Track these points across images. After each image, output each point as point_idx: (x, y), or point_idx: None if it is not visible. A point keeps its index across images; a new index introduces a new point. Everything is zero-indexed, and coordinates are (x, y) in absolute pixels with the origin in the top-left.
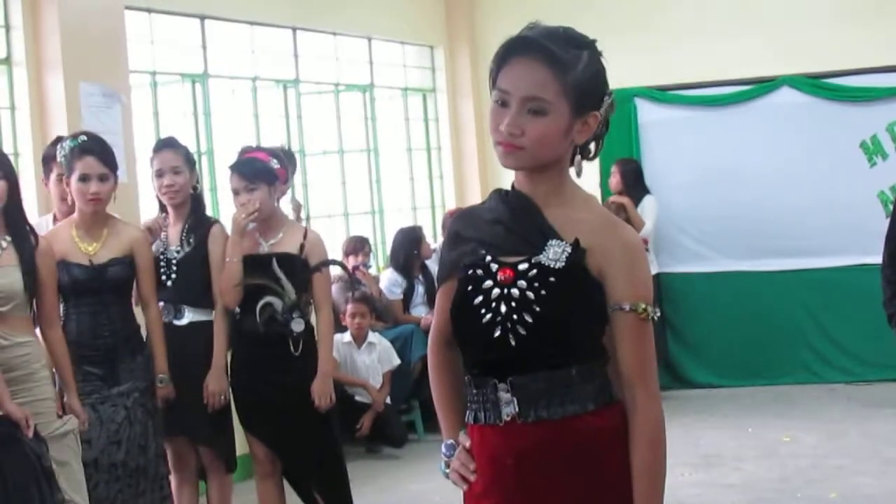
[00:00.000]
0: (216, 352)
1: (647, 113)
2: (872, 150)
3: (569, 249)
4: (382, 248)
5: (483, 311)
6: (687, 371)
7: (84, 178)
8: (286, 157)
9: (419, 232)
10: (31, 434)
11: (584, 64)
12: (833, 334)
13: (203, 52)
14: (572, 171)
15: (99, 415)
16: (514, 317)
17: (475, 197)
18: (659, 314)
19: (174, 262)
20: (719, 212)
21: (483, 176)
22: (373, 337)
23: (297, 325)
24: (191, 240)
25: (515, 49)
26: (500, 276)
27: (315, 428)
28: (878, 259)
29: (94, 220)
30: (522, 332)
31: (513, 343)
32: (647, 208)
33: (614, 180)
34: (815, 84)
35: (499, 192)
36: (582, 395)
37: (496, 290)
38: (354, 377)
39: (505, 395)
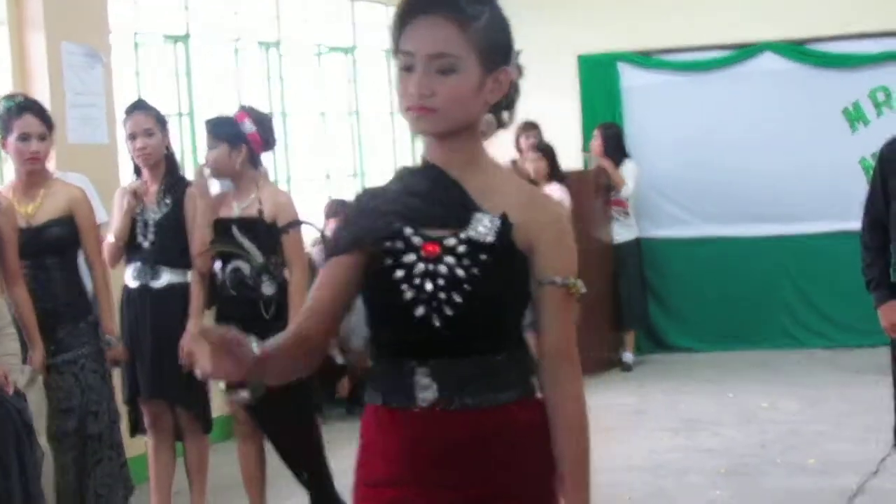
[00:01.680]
0: (192, 313)
1: (630, 78)
2: (854, 117)
3: (498, 223)
4: None
5: (404, 287)
6: (667, 336)
7: (24, 138)
8: (263, 122)
9: None
10: (11, 390)
11: (488, 16)
12: (814, 300)
13: (185, 13)
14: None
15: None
16: (441, 296)
17: None
18: (584, 291)
19: (151, 223)
20: (701, 177)
21: None
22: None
23: (268, 289)
24: (167, 200)
25: (415, 8)
26: (424, 251)
27: (293, 391)
28: (859, 226)
29: (31, 181)
30: (449, 312)
31: (437, 324)
32: (628, 172)
33: (596, 143)
34: (798, 50)
35: (408, 168)
36: (508, 383)
37: (420, 266)
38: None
39: (423, 380)
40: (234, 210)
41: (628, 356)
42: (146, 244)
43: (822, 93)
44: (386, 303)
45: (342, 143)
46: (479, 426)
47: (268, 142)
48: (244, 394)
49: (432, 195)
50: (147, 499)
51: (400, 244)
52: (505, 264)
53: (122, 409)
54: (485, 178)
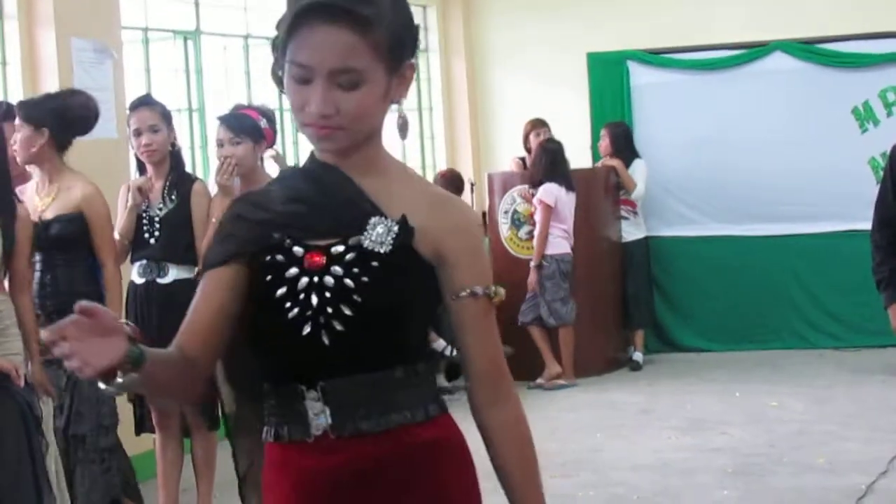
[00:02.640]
0: None
1: (640, 76)
2: (864, 117)
3: (395, 228)
4: None
5: (288, 304)
6: (675, 335)
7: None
8: (270, 117)
9: None
10: (21, 383)
11: (391, 13)
12: (822, 299)
13: (195, 9)
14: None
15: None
16: (329, 309)
17: (466, 157)
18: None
19: (157, 219)
20: (710, 176)
21: (475, 136)
22: None
23: None
24: (173, 197)
25: (307, 16)
26: (307, 263)
27: None
28: (867, 225)
29: (45, 176)
30: (339, 327)
31: (326, 341)
32: (637, 171)
33: (604, 143)
34: (808, 49)
35: (295, 169)
36: (409, 401)
37: (304, 279)
38: None
39: (315, 405)
40: None
41: (637, 355)
42: (152, 241)
43: (831, 92)
44: (270, 323)
45: None
46: (378, 452)
47: (275, 137)
48: (118, 380)
49: (322, 198)
50: (155, 495)
51: (281, 257)
52: (403, 273)
53: (126, 410)
54: (386, 182)
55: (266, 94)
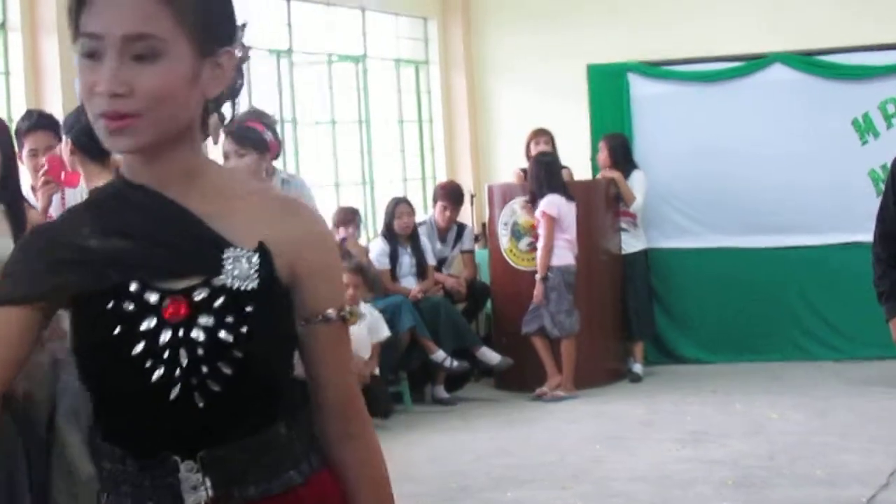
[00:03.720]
0: None
1: (640, 88)
2: (864, 129)
3: (256, 259)
4: (373, 218)
5: (150, 363)
6: (675, 346)
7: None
8: (274, 128)
9: (391, 205)
10: None
11: None
12: (822, 311)
13: None
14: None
15: None
16: (204, 369)
17: (466, 169)
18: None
19: None
20: (710, 187)
21: (474, 149)
22: (363, 307)
23: None
24: None
25: None
26: (167, 313)
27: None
28: (868, 237)
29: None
30: (216, 388)
31: (201, 404)
32: (637, 183)
33: (602, 155)
34: (808, 61)
35: (104, 192)
36: (295, 458)
37: (166, 333)
38: None
39: (191, 477)
40: None
41: (637, 367)
42: None
43: (831, 104)
44: (125, 384)
45: (351, 151)
46: None
47: (279, 147)
48: None
49: (156, 233)
50: None
51: (131, 306)
52: (276, 309)
53: None
54: (220, 198)
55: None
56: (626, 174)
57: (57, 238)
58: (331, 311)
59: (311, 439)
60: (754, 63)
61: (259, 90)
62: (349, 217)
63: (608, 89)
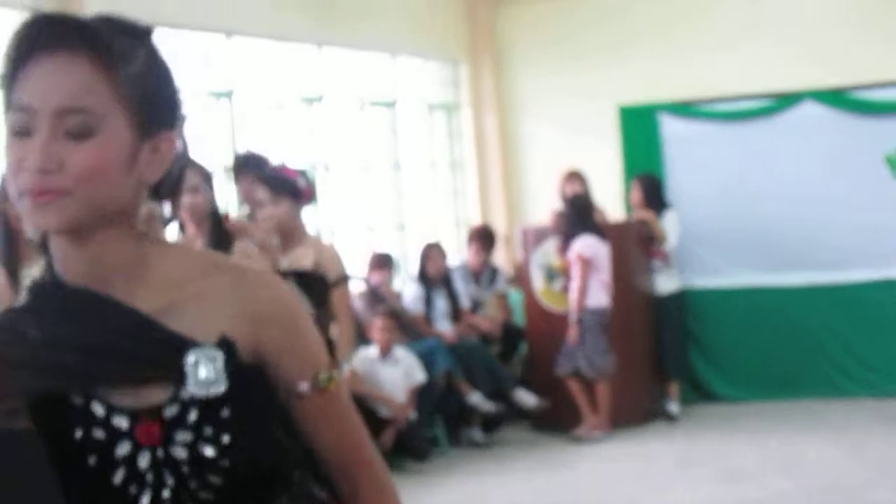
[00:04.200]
0: None
1: (671, 127)
2: None
3: (220, 357)
4: (406, 263)
5: (134, 489)
6: (710, 385)
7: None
8: (306, 174)
9: (424, 249)
10: None
11: (145, 58)
12: (856, 348)
13: (229, 69)
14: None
15: None
16: (192, 484)
17: (498, 212)
18: (345, 370)
19: None
20: (742, 226)
21: (507, 192)
22: (398, 351)
23: None
24: None
25: (36, 41)
26: (140, 437)
27: None
28: None
29: None
30: (208, 496)
31: None
32: (669, 223)
33: (635, 196)
34: (839, 97)
35: (42, 295)
36: None
37: (144, 457)
38: (379, 391)
39: None
40: (283, 263)
41: (673, 406)
42: None
43: (863, 140)
44: None
45: (384, 196)
46: None
47: (313, 193)
48: None
49: (109, 343)
50: None
51: (100, 433)
52: (251, 402)
53: None
54: (170, 287)
55: (299, 152)
56: (659, 214)
57: (3, 338)
58: (303, 386)
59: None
60: (785, 100)
61: (291, 136)
62: (383, 262)
63: (639, 130)
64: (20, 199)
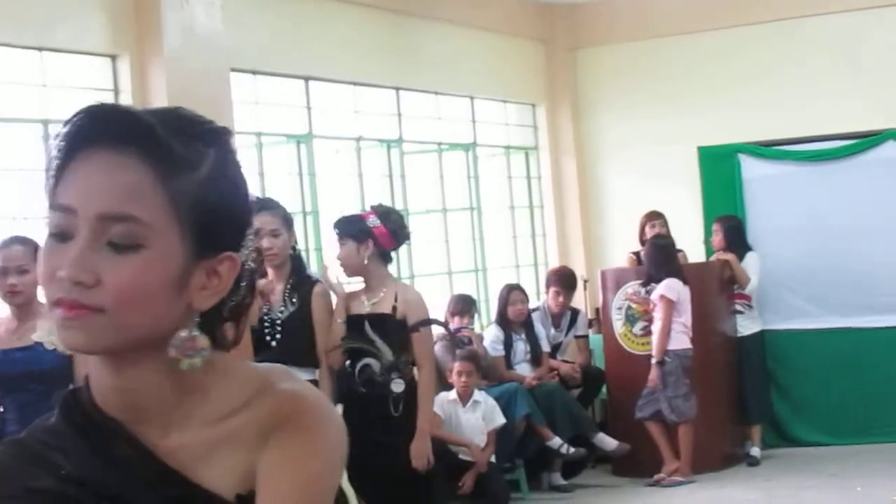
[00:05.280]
0: None
1: (751, 169)
2: None
3: None
4: (486, 306)
5: None
6: (792, 429)
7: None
8: (390, 216)
9: (504, 292)
10: None
11: (212, 165)
12: None
13: (307, 113)
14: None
15: None
16: None
17: (578, 254)
18: None
19: (278, 322)
20: (825, 267)
21: (586, 234)
22: (478, 395)
23: (397, 386)
24: (294, 300)
25: (88, 133)
26: None
27: (417, 489)
28: None
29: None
30: None
31: None
32: (751, 265)
33: (717, 238)
34: None
35: (68, 417)
36: None
37: None
38: (458, 436)
39: None
40: (365, 306)
41: (755, 450)
42: (273, 343)
43: None
44: None
45: (463, 239)
46: None
47: (395, 234)
48: None
49: (130, 493)
50: None
51: None
52: None
53: None
54: (201, 422)
55: (378, 196)
56: (740, 256)
57: (33, 461)
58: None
59: None
60: (867, 141)
61: (370, 180)
62: (465, 308)
63: (719, 171)
64: (51, 311)
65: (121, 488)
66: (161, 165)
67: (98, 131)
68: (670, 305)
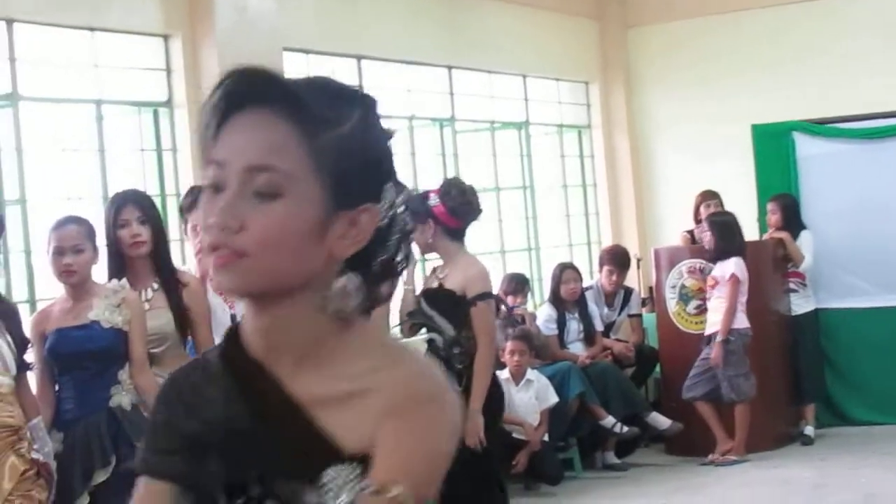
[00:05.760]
0: None
1: (805, 147)
2: None
3: (353, 476)
4: (539, 285)
5: None
6: (847, 408)
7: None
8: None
9: (557, 271)
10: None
11: (353, 124)
12: None
13: (450, 99)
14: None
15: None
16: None
17: (632, 233)
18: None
19: None
20: (879, 246)
21: (640, 213)
22: (531, 374)
23: (459, 361)
24: None
25: (235, 98)
26: None
27: (474, 464)
28: None
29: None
30: None
31: None
32: (805, 243)
33: (774, 217)
34: None
35: (222, 356)
36: None
37: None
38: (512, 414)
39: None
40: (436, 282)
41: (809, 429)
42: None
43: None
44: None
45: (516, 218)
46: None
47: (455, 212)
48: None
49: (261, 428)
50: None
51: None
52: None
53: None
54: (337, 374)
55: (430, 174)
56: (795, 234)
57: (188, 405)
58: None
59: None
60: None
61: (422, 158)
62: (518, 287)
63: (773, 149)
64: (206, 256)
65: (251, 422)
66: (303, 123)
67: (250, 93)
68: (738, 284)
